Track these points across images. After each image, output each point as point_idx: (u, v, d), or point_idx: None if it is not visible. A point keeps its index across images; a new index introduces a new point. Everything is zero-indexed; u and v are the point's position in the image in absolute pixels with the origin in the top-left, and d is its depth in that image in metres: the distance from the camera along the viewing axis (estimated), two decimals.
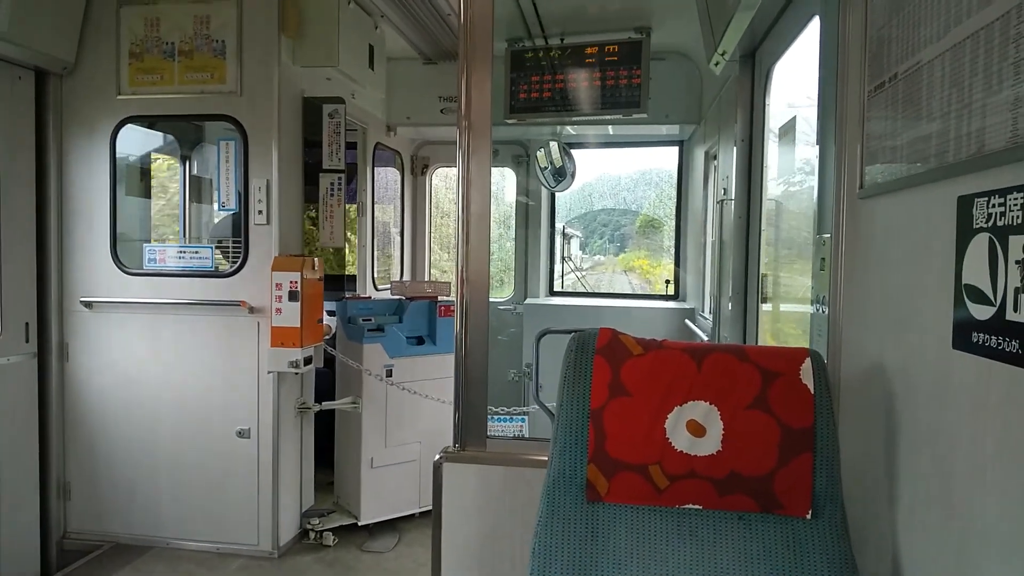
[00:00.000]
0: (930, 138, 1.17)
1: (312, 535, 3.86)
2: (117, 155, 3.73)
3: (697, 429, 1.33)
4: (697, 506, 1.36)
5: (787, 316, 2.86)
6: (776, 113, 2.73)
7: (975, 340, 1.02)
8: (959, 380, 1.09)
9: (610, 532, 1.37)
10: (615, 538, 1.37)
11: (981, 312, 1.00)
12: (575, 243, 6.80)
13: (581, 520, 1.38)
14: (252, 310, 3.59)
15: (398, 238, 5.87)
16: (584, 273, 6.63)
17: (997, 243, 0.96)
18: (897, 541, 1.34)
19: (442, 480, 1.93)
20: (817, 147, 1.89)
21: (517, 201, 5.83)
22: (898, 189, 1.33)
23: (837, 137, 1.63)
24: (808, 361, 1.34)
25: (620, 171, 7.58)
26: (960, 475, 1.09)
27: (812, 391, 1.32)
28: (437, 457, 1.94)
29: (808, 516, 1.32)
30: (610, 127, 5.21)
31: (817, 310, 1.84)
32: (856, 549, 1.34)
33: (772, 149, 2.74)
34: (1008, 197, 0.93)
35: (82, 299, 3.72)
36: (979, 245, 1.01)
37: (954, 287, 1.08)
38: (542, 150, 5.14)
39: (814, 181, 1.92)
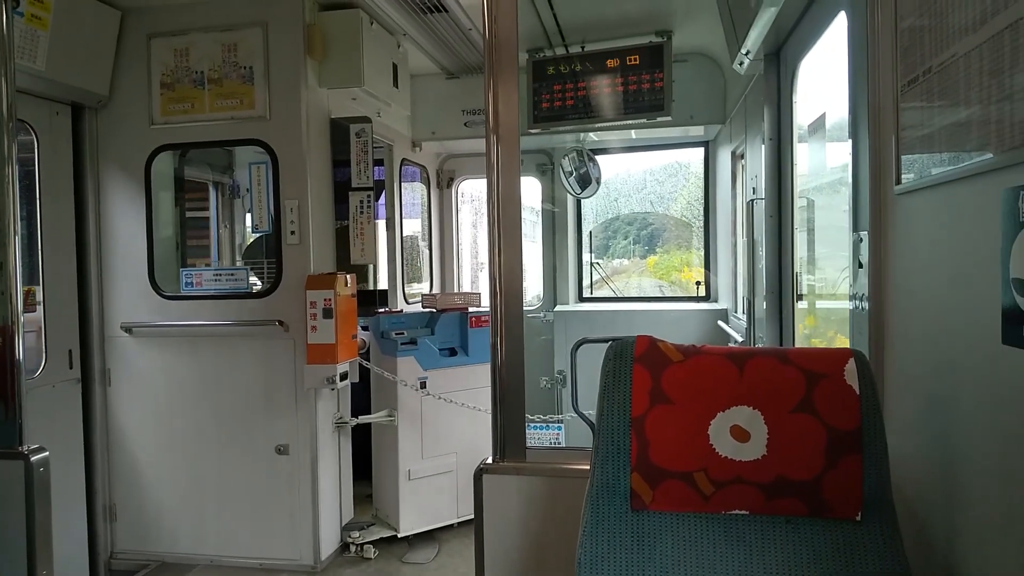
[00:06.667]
0: (970, 131, 1.16)
1: (353, 548, 3.89)
2: (151, 182, 3.82)
3: (741, 434, 1.32)
4: (744, 512, 1.35)
5: (822, 313, 2.82)
6: (803, 110, 2.70)
7: None
8: (1010, 375, 1.07)
9: (656, 540, 1.36)
10: (661, 546, 1.36)
11: None
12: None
13: (626, 529, 1.38)
14: (288, 328, 3.64)
15: (426, 251, 5.91)
16: (607, 277, 6.40)
17: None
18: (953, 542, 1.31)
19: (483, 491, 1.93)
20: (849, 143, 1.86)
21: (543, 209, 5.83)
22: (938, 184, 1.31)
23: (871, 134, 1.61)
24: (852, 361, 1.32)
25: (645, 166, 6.78)
26: (1020, 473, 1.07)
27: (858, 392, 1.30)
28: (477, 468, 1.94)
29: (858, 518, 1.30)
30: (632, 131, 5.19)
31: (856, 307, 1.81)
32: (909, 550, 1.31)
33: (801, 147, 2.71)
34: None
35: (122, 324, 3.81)
36: None
37: (1001, 281, 1.06)
38: (566, 157, 5.14)
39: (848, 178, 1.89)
